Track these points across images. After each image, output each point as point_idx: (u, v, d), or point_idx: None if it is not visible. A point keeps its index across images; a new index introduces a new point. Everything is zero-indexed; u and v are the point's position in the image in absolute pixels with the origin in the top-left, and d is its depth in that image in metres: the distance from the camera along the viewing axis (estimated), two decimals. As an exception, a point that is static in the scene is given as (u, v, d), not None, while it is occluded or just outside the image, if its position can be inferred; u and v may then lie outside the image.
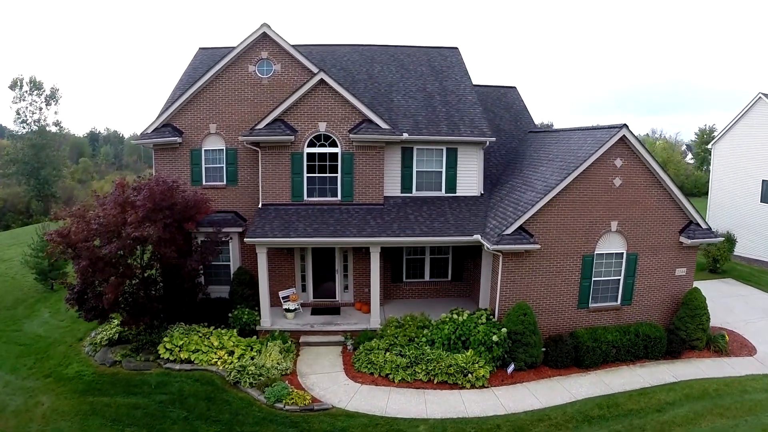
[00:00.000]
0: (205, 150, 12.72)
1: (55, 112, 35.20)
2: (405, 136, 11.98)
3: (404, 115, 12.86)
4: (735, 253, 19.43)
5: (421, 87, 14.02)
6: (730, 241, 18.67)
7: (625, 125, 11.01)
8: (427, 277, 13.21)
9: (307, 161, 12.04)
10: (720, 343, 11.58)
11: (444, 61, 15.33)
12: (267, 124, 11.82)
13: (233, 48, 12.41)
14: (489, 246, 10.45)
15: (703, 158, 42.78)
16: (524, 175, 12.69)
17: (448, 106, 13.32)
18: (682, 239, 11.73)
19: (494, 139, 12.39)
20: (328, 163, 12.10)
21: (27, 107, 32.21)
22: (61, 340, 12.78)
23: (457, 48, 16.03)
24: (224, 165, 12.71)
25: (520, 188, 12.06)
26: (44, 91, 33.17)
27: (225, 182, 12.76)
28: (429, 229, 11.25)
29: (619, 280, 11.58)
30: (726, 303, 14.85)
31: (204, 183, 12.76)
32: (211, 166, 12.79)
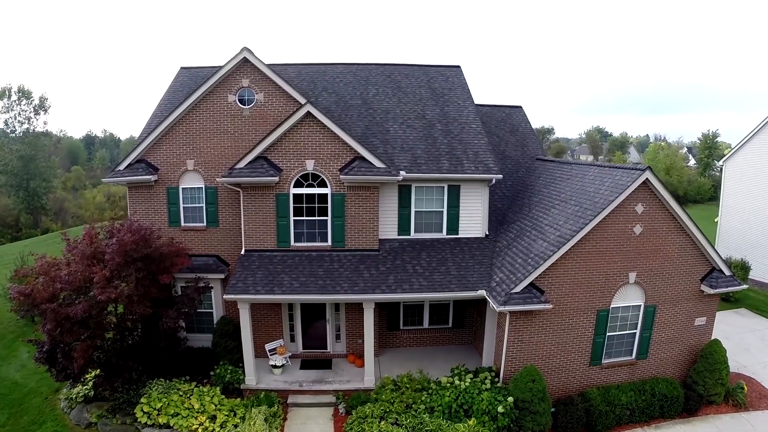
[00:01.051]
0: (182, 188, 11.26)
1: (45, 122, 33.53)
2: (402, 175, 10.51)
3: (401, 148, 11.36)
4: (749, 277, 18.13)
5: (420, 113, 12.47)
6: (743, 268, 17.35)
7: (649, 168, 9.64)
8: (426, 324, 11.88)
9: (294, 203, 10.60)
10: (739, 397, 10.35)
11: (445, 82, 13.74)
12: (249, 163, 10.35)
13: (214, 72, 10.84)
14: (496, 306, 9.09)
15: (707, 164, 41.25)
16: (534, 216, 11.25)
17: (450, 136, 11.81)
18: (704, 288, 10.42)
19: (501, 176, 10.91)
20: (316, 205, 10.65)
21: (15, 117, 30.63)
22: (38, 390, 11.59)
23: (459, 67, 14.41)
24: (204, 205, 11.27)
25: (530, 233, 10.65)
26: (33, 100, 31.53)
27: (205, 224, 11.34)
28: (428, 283, 9.86)
29: (635, 333, 10.30)
30: (741, 340, 13.57)
31: (182, 224, 11.35)
32: (189, 205, 11.35)
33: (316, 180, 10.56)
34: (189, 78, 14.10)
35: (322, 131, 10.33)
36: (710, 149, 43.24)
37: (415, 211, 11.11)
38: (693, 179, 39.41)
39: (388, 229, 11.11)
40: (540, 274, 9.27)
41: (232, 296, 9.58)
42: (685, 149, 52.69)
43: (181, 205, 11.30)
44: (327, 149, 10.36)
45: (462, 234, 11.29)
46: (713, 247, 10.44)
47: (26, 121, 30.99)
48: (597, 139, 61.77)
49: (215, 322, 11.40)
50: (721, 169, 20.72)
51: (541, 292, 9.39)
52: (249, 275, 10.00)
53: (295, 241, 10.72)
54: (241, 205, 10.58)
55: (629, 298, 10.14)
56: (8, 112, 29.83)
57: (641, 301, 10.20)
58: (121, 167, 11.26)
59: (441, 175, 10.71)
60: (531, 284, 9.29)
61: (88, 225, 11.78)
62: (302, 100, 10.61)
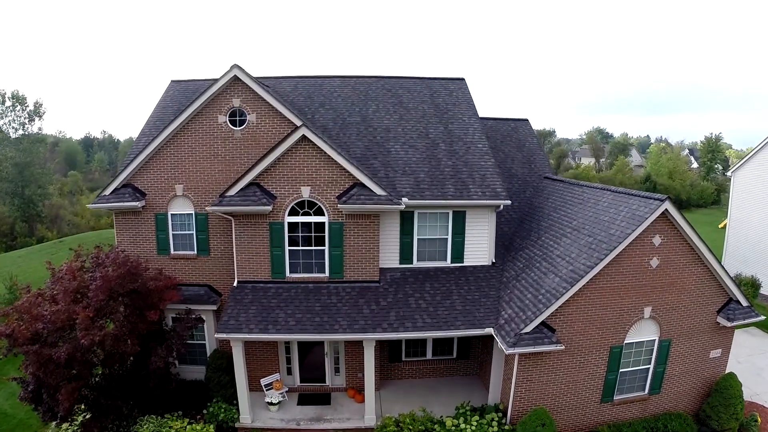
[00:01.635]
0: (171, 214, 10.47)
1: (39, 128, 32.57)
2: (404, 202, 9.71)
3: (403, 171, 10.55)
4: (759, 292, 17.40)
5: (423, 132, 11.64)
6: (754, 285, 16.63)
7: (668, 198, 8.86)
8: (429, 356, 11.17)
9: (289, 232, 9.82)
10: (753, 430, 9.69)
11: (449, 97, 12.88)
12: (240, 190, 9.55)
13: (203, 90, 10.00)
14: (505, 348, 8.37)
15: (709, 167, 40.36)
16: (543, 245, 10.48)
17: (455, 157, 10.99)
18: (721, 320, 9.72)
19: (509, 201, 10.11)
20: (313, 235, 9.87)
21: (10, 123, 29.66)
22: (27, 422, 10.95)
23: (463, 79, 13.53)
24: (194, 232, 10.49)
25: (540, 264, 9.89)
26: (27, 106, 30.48)
27: (196, 252, 10.56)
28: (432, 320, 9.12)
29: (649, 368, 9.63)
30: (753, 365, 12.87)
31: (172, 252, 10.59)
32: (179, 233, 10.57)
33: (313, 208, 9.78)
34: (180, 92, 13.24)
35: (319, 156, 9.52)
36: (713, 152, 42.35)
37: (418, 239, 10.33)
38: (695, 183, 38.53)
39: (390, 258, 10.35)
40: (551, 313, 8.56)
41: (224, 335, 8.85)
42: (687, 151, 51.70)
43: (170, 232, 10.52)
44: (324, 175, 9.56)
45: (467, 262, 10.54)
46: (731, 277, 9.73)
47: (21, 128, 30.13)
48: (598, 140, 60.64)
49: (208, 354, 10.70)
50: (730, 179, 20.03)
51: (552, 331, 8.67)
52: (242, 311, 9.26)
53: (290, 272, 9.96)
54: (233, 234, 9.81)
55: (643, 333, 9.45)
56: (2, 118, 28.93)
57: (656, 335, 9.51)
58: (107, 192, 10.47)
59: (446, 202, 9.94)
60: (542, 323, 8.58)
61: (73, 249, 11.08)
62: (297, 122, 9.78)
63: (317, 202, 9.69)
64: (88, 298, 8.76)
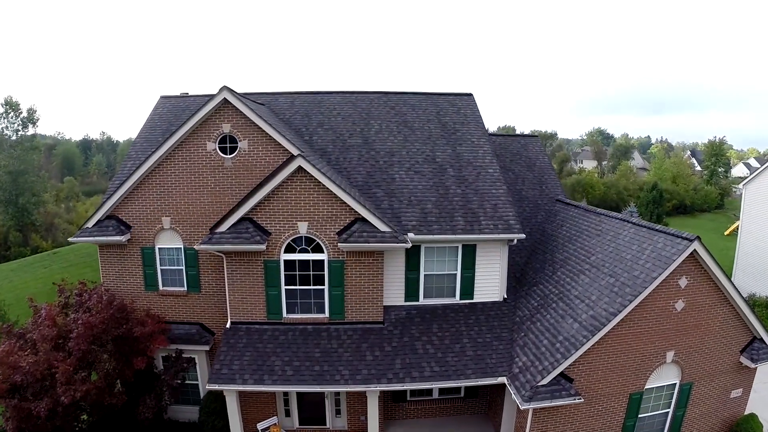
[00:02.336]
0: (159, 248, 9.55)
1: (33, 134, 31.25)
2: (410, 238, 8.79)
3: (409, 201, 9.60)
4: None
5: (430, 155, 10.65)
6: (768, 307, 15.83)
7: (698, 237, 7.98)
8: (435, 395, 10.35)
9: (286, 270, 8.91)
10: None
11: (456, 115, 11.86)
12: (231, 226, 8.62)
13: (195, 106, 9.08)
14: (520, 403, 7.53)
15: (713, 171, 39.30)
16: (559, 280, 9.59)
17: (464, 184, 10.03)
18: (744, 361, 8.95)
19: (523, 235, 9.19)
20: (311, 273, 8.98)
21: (3, 130, 28.39)
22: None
23: (471, 95, 12.50)
24: (184, 268, 9.59)
25: (556, 304, 9.01)
26: (21, 112, 29.20)
27: (186, 288, 9.66)
28: (441, 368, 8.25)
29: (668, 413, 8.84)
30: (771, 394, 12.12)
31: (161, 288, 9.69)
32: (167, 268, 9.66)
33: (311, 244, 8.87)
34: (169, 109, 12.21)
35: (317, 189, 8.57)
36: (717, 156, 41.26)
37: (425, 275, 9.43)
38: (699, 187, 37.52)
39: (394, 295, 9.46)
40: (570, 363, 7.73)
41: (217, 386, 8.00)
42: (689, 152, 50.60)
43: (158, 267, 9.62)
44: (323, 210, 8.62)
45: (478, 298, 9.66)
46: (756, 315, 8.90)
47: (14, 134, 28.86)
48: (599, 142, 59.22)
49: (201, 394, 9.89)
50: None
51: (569, 381, 7.84)
52: (235, 357, 8.40)
53: (287, 313, 9.09)
54: (225, 272, 8.91)
55: (664, 377, 8.65)
56: (-5, 125, 27.65)
57: (677, 379, 8.72)
58: (90, 224, 9.53)
59: (455, 237, 9.02)
60: (559, 374, 7.76)
61: (56, 284, 10.19)
62: (294, 150, 8.81)
63: (315, 239, 8.78)
64: (70, 346, 7.93)
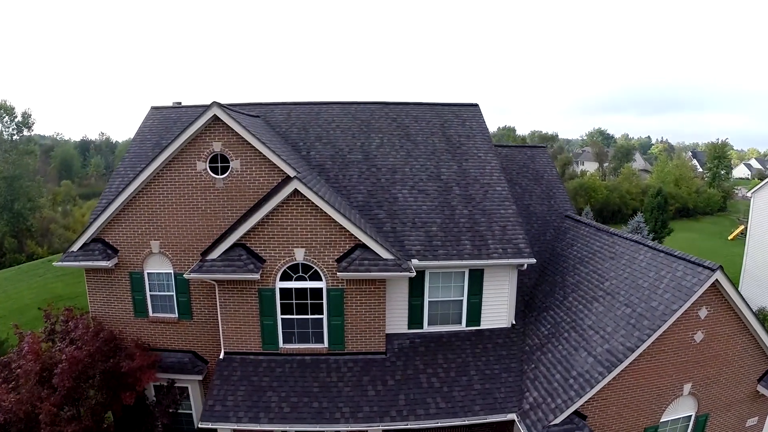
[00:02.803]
0: (148, 273, 8.94)
1: (29, 139, 30.52)
2: (414, 265, 8.17)
3: (413, 224, 8.96)
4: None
5: (435, 172, 9.99)
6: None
7: (720, 267, 7.39)
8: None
9: (281, 299, 8.29)
10: None
11: (462, 127, 11.17)
12: (223, 253, 7.98)
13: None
14: (535, 446, 7.00)
15: (715, 173, 38.64)
16: (570, 306, 8.98)
17: (471, 204, 9.38)
18: (762, 390, 8.41)
19: (534, 260, 8.57)
20: (309, 302, 8.37)
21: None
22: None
23: (476, 105, 11.81)
24: (174, 293, 9.00)
25: (568, 334, 8.40)
26: (16, 116, 28.40)
27: (177, 315, 9.06)
28: (447, 404, 7.64)
29: (685, 446, 8.34)
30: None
31: (151, 315, 9.07)
32: (157, 293, 9.04)
33: (308, 272, 8.25)
34: (160, 121, 11.52)
35: (315, 213, 7.93)
36: (719, 158, 40.54)
37: (429, 302, 8.83)
38: (702, 190, 36.83)
39: (397, 322, 8.85)
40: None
41: (210, 424, 7.41)
42: (690, 153, 49.88)
43: (148, 293, 9.00)
44: (321, 235, 7.99)
45: (485, 325, 9.06)
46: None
47: (9, 139, 28.02)
48: (600, 143, 58.26)
49: (195, 424, 9.32)
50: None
51: (583, 419, 7.26)
52: (229, 392, 7.80)
53: (284, 343, 8.48)
54: (218, 300, 8.30)
55: (680, 410, 8.08)
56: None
57: (693, 411, 8.16)
58: (75, 248, 8.90)
59: (462, 262, 8.40)
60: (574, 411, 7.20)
61: (42, 309, 9.59)
62: (290, 171, 8.15)
63: (313, 266, 8.16)
64: (54, 382, 7.35)
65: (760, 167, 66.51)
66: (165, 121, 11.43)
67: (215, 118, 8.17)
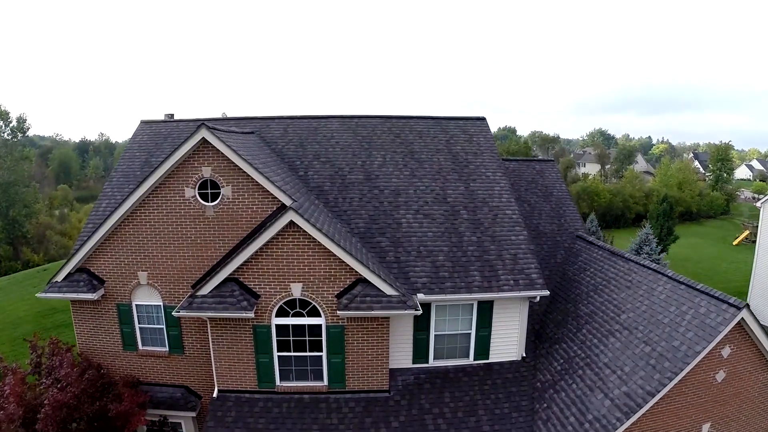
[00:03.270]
0: (136, 305, 8.32)
1: (24, 146, 29.68)
2: (420, 300, 7.54)
3: (418, 253, 8.30)
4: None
5: (441, 194, 9.31)
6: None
7: (747, 305, 6.83)
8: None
9: (278, 335, 7.65)
10: None
11: (468, 144, 10.46)
12: (215, 288, 7.35)
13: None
14: (550, 501, 6.44)
15: (718, 176, 37.89)
16: (585, 340, 8.36)
17: (480, 229, 8.71)
18: None
19: (547, 292, 7.95)
20: (307, 338, 7.77)
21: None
22: None
23: (483, 119, 11.09)
24: (164, 327, 8.39)
25: (582, 371, 7.79)
26: (11, 121, 27.50)
27: (168, 349, 8.46)
28: (456, 451, 7.15)
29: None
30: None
31: (140, 348, 8.47)
32: (147, 326, 8.43)
33: (306, 307, 7.63)
34: (150, 137, 10.81)
35: (312, 246, 7.27)
36: (722, 161, 39.71)
37: (435, 335, 8.24)
38: (705, 193, 36.10)
39: (401, 356, 8.24)
40: (607, 450, 6.60)
41: (198, 473, 6.91)
42: (692, 155, 49.05)
43: (137, 326, 8.39)
44: (319, 269, 7.34)
45: (494, 358, 8.46)
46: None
47: (4, 144, 27.13)
48: (601, 145, 57.13)
49: (188, 461, 8.80)
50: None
51: (603, 466, 6.75)
52: (221, 437, 7.26)
53: (281, 380, 7.88)
54: (210, 337, 7.69)
55: (700, 451, 7.58)
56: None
57: (713, 451, 7.64)
58: (59, 278, 8.28)
59: (470, 296, 7.78)
60: (594, 461, 6.64)
61: (27, 340, 8.98)
62: (285, 200, 7.48)
63: (311, 302, 7.54)
64: (38, 428, 6.77)
65: (762, 168, 65.58)
66: (155, 137, 10.73)
67: (204, 141, 7.49)
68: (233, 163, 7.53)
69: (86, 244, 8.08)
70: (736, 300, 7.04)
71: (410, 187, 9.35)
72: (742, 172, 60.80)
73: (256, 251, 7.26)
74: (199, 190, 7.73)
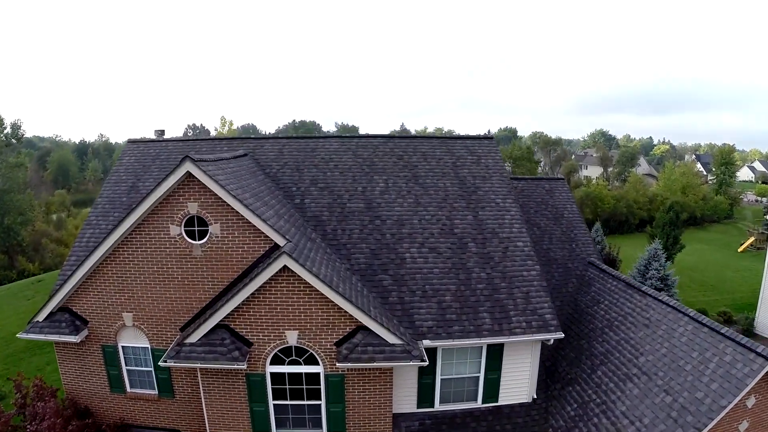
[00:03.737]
0: (122, 347, 7.70)
1: (18, 152, 28.85)
2: (426, 346, 6.90)
3: (423, 292, 7.62)
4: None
5: (447, 224, 8.62)
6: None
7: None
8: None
9: (273, 383, 7.03)
10: None
11: (476, 166, 9.74)
12: (204, 336, 6.69)
13: (149, 192, 7.05)
14: None
15: (722, 180, 37.10)
16: (600, 384, 7.72)
17: (489, 265, 8.03)
18: None
19: (562, 335, 7.33)
20: (305, 387, 7.16)
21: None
22: None
23: (491, 138, 10.38)
24: (152, 369, 7.79)
25: (598, 419, 7.13)
26: (5, 127, 26.55)
27: (157, 392, 7.87)
28: None
29: None
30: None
31: (128, 390, 7.84)
32: (134, 368, 7.82)
33: (303, 355, 7.00)
34: (137, 158, 10.10)
35: (308, 291, 6.59)
36: (726, 165, 38.83)
37: (442, 379, 7.65)
38: (708, 197, 35.35)
39: (405, 401, 7.63)
40: None
41: None
42: (694, 156, 48.15)
43: (124, 368, 7.77)
44: (316, 316, 6.68)
45: (503, 400, 7.85)
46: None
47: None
48: (603, 147, 56.00)
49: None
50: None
51: None
52: (212, 494, 6.69)
53: (277, 429, 7.21)
54: (200, 385, 7.09)
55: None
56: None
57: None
58: (40, 317, 7.64)
59: (480, 341, 7.15)
60: None
61: (12, 379, 8.38)
62: (278, 240, 6.82)
63: (309, 350, 6.92)
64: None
65: (764, 170, 64.46)
66: (143, 158, 10.02)
67: (188, 175, 6.79)
68: (219, 198, 6.83)
69: (68, 282, 7.43)
70: (764, 349, 6.41)
71: (414, 217, 8.67)
72: (743, 174, 59.75)
73: (248, 297, 6.59)
74: (185, 227, 7.06)
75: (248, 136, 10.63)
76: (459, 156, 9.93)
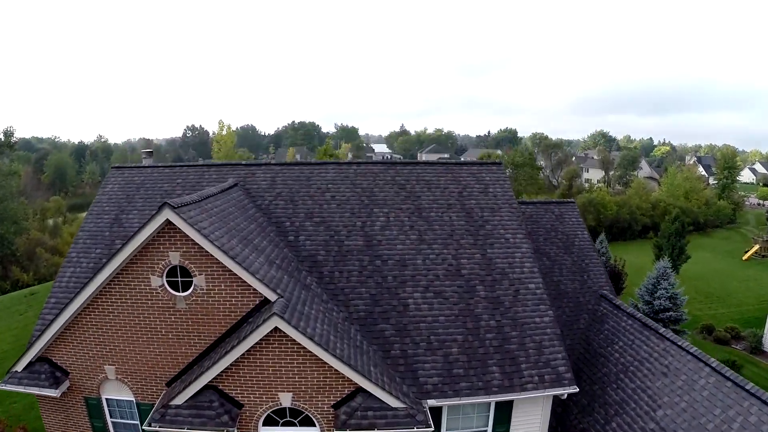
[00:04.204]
0: (106, 399, 7.12)
1: (11, 160, 28.01)
2: (431, 405, 6.33)
3: (428, 344, 6.98)
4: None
5: (454, 264, 7.95)
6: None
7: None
8: None
9: (266, 445, 6.55)
10: None
11: (483, 196, 9.05)
12: (191, 398, 6.10)
13: (126, 240, 6.40)
14: None
15: (725, 185, 36.35)
16: (620, 440, 7.23)
17: (499, 311, 7.40)
18: None
19: (576, 389, 6.76)
20: (300, 449, 6.61)
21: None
22: None
23: (500, 164, 9.67)
24: (139, 423, 7.21)
25: (621, 485, 6.69)
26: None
27: (142, 447, 7.38)
28: None
29: None
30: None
31: (112, 442, 7.39)
32: (120, 421, 7.24)
33: (298, 416, 6.43)
34: (121, 187, 9.39)
35: (302, 352, 5.97)
36: (729, 169, 38.03)
37: (447, 435, 7.12)
38: (711, 201, 34.63)
39: (408, 457, 7.16)
40: None
41: None
42: (695, 159, 47.28)
43: (109, 420, 7.19)
44: (312, 378, 6.06)
45: (512, 454, 7.37)
46: None
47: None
48: (605, 150, 54.88)
49: None
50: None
51: None
52: None
53: (271, 489, 6.81)
54: (186, 446, 6.54)
55: None
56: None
57: None
58: (19, 367, 7.04)
59: (489, 399, 6.58)
60: None
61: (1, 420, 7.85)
62: (270, 295, 6.18)
63: (304, 411, 6.34)
64: None
65: (765, 171, 63.46)
66: (127, 186, 9.31)
67: (167, 223, 6.12)
68: (202, 249, 6.15)
69: (47, 332, 6.80)
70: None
71: (418, 256, 8.00)
72: (744, 176, 58.80)
73: (238, 358, 6.00)
74: (167, 278, 6.43)
75: (239, 162, 9.88)
76: (465, 185, 9.22)
